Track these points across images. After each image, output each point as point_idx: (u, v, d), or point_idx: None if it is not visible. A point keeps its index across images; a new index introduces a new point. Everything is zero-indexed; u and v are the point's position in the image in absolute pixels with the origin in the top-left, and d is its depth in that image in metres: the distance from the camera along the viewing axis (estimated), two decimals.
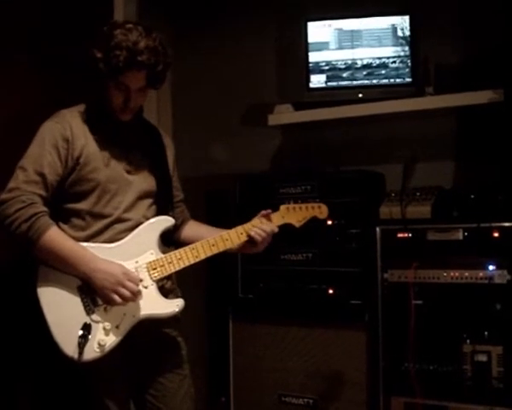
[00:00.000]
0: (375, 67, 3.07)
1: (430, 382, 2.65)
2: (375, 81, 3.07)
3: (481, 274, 2.58)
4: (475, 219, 2.59)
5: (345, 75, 3.11)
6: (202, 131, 3.74)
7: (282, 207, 2.30)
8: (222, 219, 3.07)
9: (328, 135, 3.34)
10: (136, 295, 2.04)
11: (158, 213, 2.22)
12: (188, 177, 3.51)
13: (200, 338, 3.60)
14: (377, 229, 2.77)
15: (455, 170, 3.09)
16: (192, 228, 2.42)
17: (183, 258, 2.15)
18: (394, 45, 3.04)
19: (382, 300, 2.75)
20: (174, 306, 2.13)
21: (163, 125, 3.64)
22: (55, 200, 2.10)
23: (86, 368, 2.04)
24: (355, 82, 3.10)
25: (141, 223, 2.16)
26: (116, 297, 2.01)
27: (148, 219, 2.18)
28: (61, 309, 2.03)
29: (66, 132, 2.08)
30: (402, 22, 3.02)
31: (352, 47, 3.10)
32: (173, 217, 2.24)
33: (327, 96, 3.13)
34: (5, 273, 2.76)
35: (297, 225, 2.31)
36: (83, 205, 2.11)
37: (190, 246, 2.17)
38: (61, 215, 2.12)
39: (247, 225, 2.24)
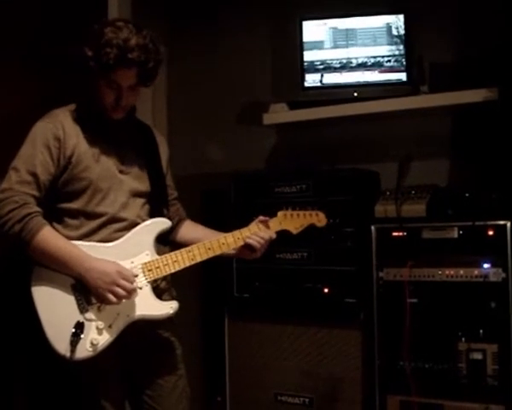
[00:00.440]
0: (370, 65, 3.07)
1: (426, 380, 2.65)
2: (369, 80, 3.07)
3: (476, 272, 2.58)
4: (470, 217, 2.60)
5: (340, 74, 3.11)
6: (197, 131, 3.74)
7: (280, 214, 2.30)
8: (217, 218, 3.07)
9: (323, 134, 3.34)
10: (130, 293, 2.03)
11: (152, 213, 2.21)
12: (183, 176, 3.51)
13: (196, 338, 3.60)
14: (372, 228, 2.77)
15: (450, 168, 3.09)
16: (188, 229, 2.40)
17: (178, 260, 2.14)
18: (389, 44, 3.03)
19: (377, 298, 2.75)
20: (168, 308, 2.13)
21: (158, 125, 3.64)
22: (48, 200, 2.10)
23: (81, 368, 2.04)
24: (350, 81, 3.10)
25: (136, 223, 2.16)
26: (110, 296, 2.00)
27: (142, 218, 2.18)
28: (54, 307, 2.03)
29: (58, 132, 2.08)
30: (396, 21, 3.02)
31: (347, 46, 3.10)
32: (168, 216, 2.24)
33: (322, 95, 3.13)
34: None
35: (294, 232, 2.32)
36: (76, 204, 2.10)
37: (187, 249, 2.17)
38: (54, 215, 2.12)
39: (245, 231, 2.24)
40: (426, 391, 2.65)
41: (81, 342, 1.99)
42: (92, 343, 2.02)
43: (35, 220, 2.00)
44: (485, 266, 2.56)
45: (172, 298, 2.22)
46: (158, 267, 2.12)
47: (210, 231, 2.35)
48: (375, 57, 3.06)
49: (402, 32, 3.01)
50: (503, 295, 2.52)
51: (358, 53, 3.08)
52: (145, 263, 2.11)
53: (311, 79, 3.15)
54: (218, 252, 2.20)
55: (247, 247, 2.24)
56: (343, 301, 2.85)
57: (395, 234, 2.74)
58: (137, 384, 2.22)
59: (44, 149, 2.06)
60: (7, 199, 2.00)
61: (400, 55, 3.02)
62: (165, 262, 2.13)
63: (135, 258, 2.11)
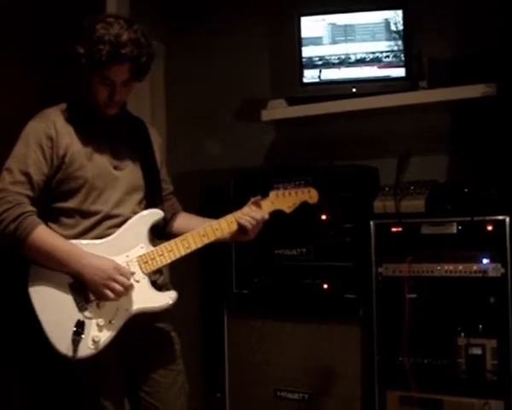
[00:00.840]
0: (369, 61, 3.07)
1: (425, 375, 2.65)
2: (368, 76, 3.07)
3: (475, 268, 2.58)
4: (469, 212, 2.60)
5: (338, 70, 3.11)
6: (196, 128, 3.74)
7: (272, 194, 2.29)
8: (217, 214, 3.06)
9: (322, 130, 3.34)
10: (128, 289, 2.03)
11: (147, 208, 2.20)
12: (182, 173, 3.54)
13: (195, 334, 3.60)
14: (371, 223, 2.77)
15: (449, 164, 3.09)
16: (183, 220, 2.39)
17: (173, 250, 2.13)
18: (387, 40, 3.03)
19: (377, 294, 2.76)
20: (167, 298, 2.12)
21: (157, 122, 3.64)
22: (43, 200, 2.09)
23: (82, 366, 2.03)
24: (348, 77, 3.10)
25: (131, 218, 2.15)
26: (108, 292, 2.00)
27: (137, 213, 2.17)
28: (53, 308, 2.02)
29: (51, 131, 2.07)
30: (395, 16, 3.02)
31: (346, 42, 3.10)
32: (163, 210, 2.23)
33: (320, 91, 3.12)
34: None
35: (287, 211, 2.30)
36: (71, 203, 2.09)
37: (180, 237, 2.16)
38: (50, 215, 2.11)
39: (237, 214, 2.23)
40: (425, 386, 2.65)
41: (83, 340, 1.99)
42: (94, 341, 2.01)
43: (29, 219, 2.00)
44: (484, 261, 2.57)
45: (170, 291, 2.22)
46: (153, 259, 2.11)
47: (205, 219, 2.33)
48: (373, 53, 3.06)
49: (400, 27, 3.01)
50: (502, 291, 2.53)
51: (357, 49, 3.08)
52: (140, 256, 2.11)
53: (310, 75, 3.15)
54: (212, 238, 2.19)
55: (240, 230, 2.23)
56: (342, 296, 2.85)
57: (394, 230, 2.74)
58: (136, 381, 2.22)
59: (37, 149, 2.05)
60: (0, 200, 2.00)
61: (399, 50, 3.02)
62: (161, 253, 2.12)
63: (130, 252, 2.10)
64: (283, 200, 2.29)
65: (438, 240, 2.66)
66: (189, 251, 2.16)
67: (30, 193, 2.04)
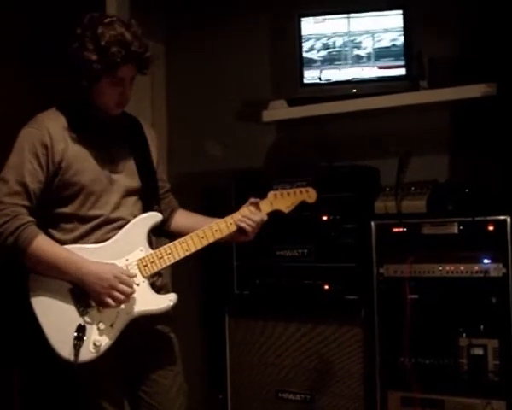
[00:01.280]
0: (369, 61, 3.06)
1: (427, 376, 2.65)
2: (368, 76, 3.07)
3: (477, 268, 2.58)
4: (470, 212, 2.59)
5: (338, 70, 3.10)
6: (197, 129, 3.74)
7: (270, 194, 2.29)
8: (218, 216, 3.05)
9: (323, 130, 3.33)
10: (128, 297, 2.03)
11: (144, 209, 2.19)
12: (182, 173, 3.54)
13: (197, 335, 3.60)
14: (372, 224, 2.76)
15: (450, 164, 3.09)
16: (181, 218, 2.38)
17: (173, 252, 2.13)
18: (388, 40, 3.01)
19: (378, 295, 2.75)
20: (167, 300, 2.12)
21: (157, 123, 3.65)
22: (42, 206, 2.08)
23: (82, 370, 2.03)
24: (349, 77, 3.09)
25: (130, 221, 2.15)
26: (109, 300, 2.00)
27: (135, 216, 2.16)
28: (54, 313, 2.02)
29: (45, 138, 2.05)
30: (395, 17, 3.01)
31: (346, 42, 3.09)
32: (160, 210, 2.22)
33: (321, 92, 3.12)
34: None
35: (286, 211, 2.29)
36: (69, 209, 2.09)
37: (180, 240, 2.16)
38: (49, 221, 2.10)
39: (236, 215, 2.23)
40: (427, 387, 2.64)
41: (84, 344, 1.99)
42: (95, 345, 2.01)
43: (28, 230, 1.99)
44: (486, 261, 2.56)
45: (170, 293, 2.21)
46: (153, 262, 2.11)
47: (202, 217, 2.34)
48: (373, 53, 3.05)
49: (401, 27, 3.00)
50: (503, 291, 2.52)
51: (357, 49, 3.07)
52: (140, 259, 2.10)
53: (310, 76, 3.15)
54: (211, 240, 2.18)
55: (239, 231, 2.23)
56: (344, 297, 2.85)
57: (395, 230, 2.73)
58: (135, 381, 2.22)
59: (32, 158, 2.04)
60: None
61: (399, 50, 3.01)
62: (160, 256, 2.12)
63: (129, 255, 2.10)
64: (282, 200, 2.29)
65: (439, 240, 2.65)
66: (188, 253, 2.16)
67: (27, 203, 2.03)
